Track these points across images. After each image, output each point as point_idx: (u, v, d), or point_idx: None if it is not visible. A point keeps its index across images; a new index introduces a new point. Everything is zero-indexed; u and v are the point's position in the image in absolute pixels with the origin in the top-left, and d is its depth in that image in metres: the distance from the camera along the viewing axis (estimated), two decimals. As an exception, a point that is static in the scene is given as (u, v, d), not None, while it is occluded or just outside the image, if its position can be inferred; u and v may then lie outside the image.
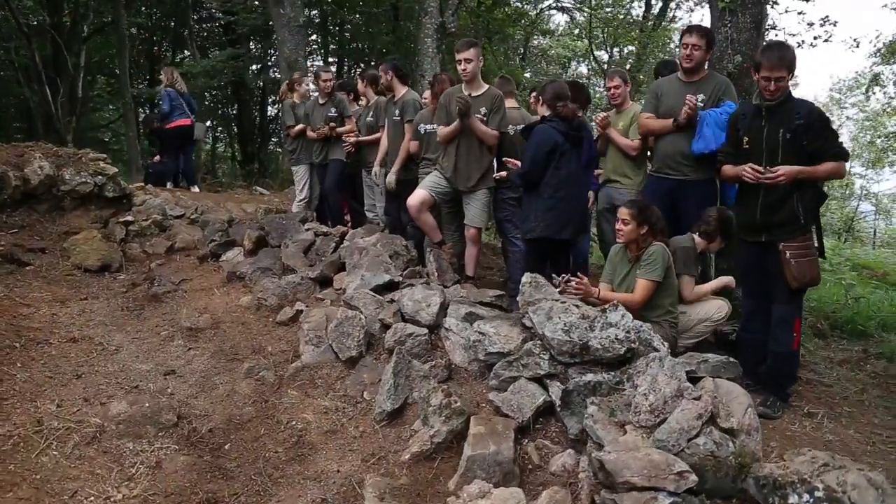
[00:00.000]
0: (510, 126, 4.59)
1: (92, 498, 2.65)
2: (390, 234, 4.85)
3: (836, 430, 3.34)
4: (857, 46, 11.30)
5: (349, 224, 6.29)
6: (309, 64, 12.05)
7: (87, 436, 2.93)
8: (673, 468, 2.17)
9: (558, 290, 3.48)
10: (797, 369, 3.69)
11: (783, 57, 3.20)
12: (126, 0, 12.92)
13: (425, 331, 3.55)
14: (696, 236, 3.90)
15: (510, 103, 4.92)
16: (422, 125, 4.93)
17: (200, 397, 3.41)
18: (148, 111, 17.16)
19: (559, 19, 18.14)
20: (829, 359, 4.68)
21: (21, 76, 13.36)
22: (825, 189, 3.52)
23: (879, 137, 18.87)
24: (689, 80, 4.10)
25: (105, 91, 17.40)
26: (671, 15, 15.78)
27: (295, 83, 6.79)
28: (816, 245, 3.39)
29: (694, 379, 2.79)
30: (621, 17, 14.75)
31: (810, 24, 7.12)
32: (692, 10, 15.24)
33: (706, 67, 4.14)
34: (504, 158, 4.31)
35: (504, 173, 4.20)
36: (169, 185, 8.04)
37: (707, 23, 5.09)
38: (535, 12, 15.38)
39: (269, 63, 16.01)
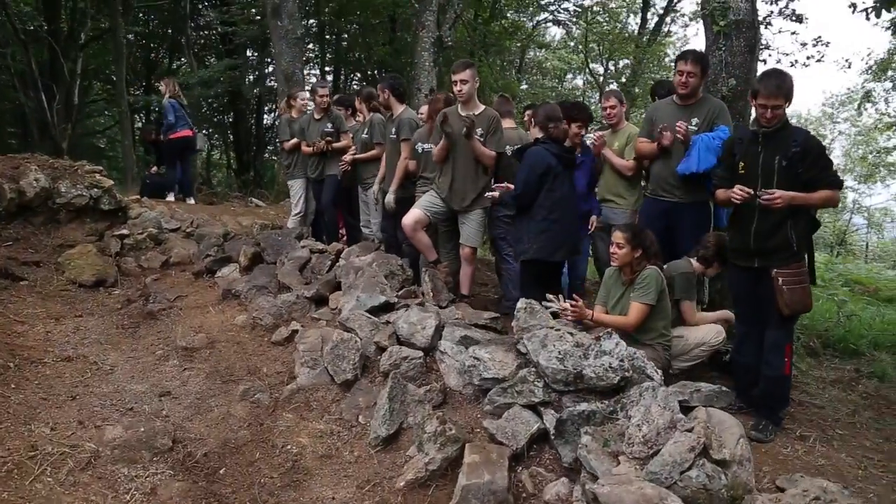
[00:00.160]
0: (507, 147, 4.63)
1: (86, 525, 2.64)
2: (386, 254, 4.86)
3: (828, 454, 3.36)
4: (850, 67, 11.45)
5: (344, 238, 6.31)
6: (306, 72, 12.09)
7: (81, 461, 2.92)
8: (665, 502, 2.19)
9: (550, 309, 3.51)
10: (789, 392, 3.72)
11: (780, 86, 3.23)
12: (124, 7, 12.91)
13: (420, 354, 3.56)
14: (693, 261, 3.95)
15: (508, 123, 4.96)
16: (419, 144, 4.96)
17: (195, 420, 3.41)
18: (144, 119, 17.16)
19: (555, 32, 18.31)
20: (821, 378, 4.70)
21: (17, 82, 13.31)
22: (818, 217, 3.54)
23: (871, 153, 19.08)
24: (684, 104, 4.16)
25: (101, 97, 17.37)
26: (666, 30, 15.94)
27: (291, 99, 6.82)
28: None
29: (687, 408, 2.82)
30: (617, 31, 14.89)
31: (803, 45, 7.21)
32: (687, 26, 15.42)
33: (701, 91, 4.20)
34: (493, 185, 4.35)
35: (496, 193, 4.23)
36: (171, 196, 8.02)
37: (701, 37, 5.16)
38: (531, 25, 15.50)
39: (267, 72, 16.04)
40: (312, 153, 6.06)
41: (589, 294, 5.16)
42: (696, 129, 4.04)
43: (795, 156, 3.24)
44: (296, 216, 6.52)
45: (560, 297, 3.65)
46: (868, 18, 4.47)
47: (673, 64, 4.50)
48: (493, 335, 3.70)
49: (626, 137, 4.75)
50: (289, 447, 3.18)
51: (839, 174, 3.48)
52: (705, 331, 3.83)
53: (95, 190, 5.96)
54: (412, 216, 4.54)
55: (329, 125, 5.97)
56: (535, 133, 4.22)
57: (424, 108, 5.29)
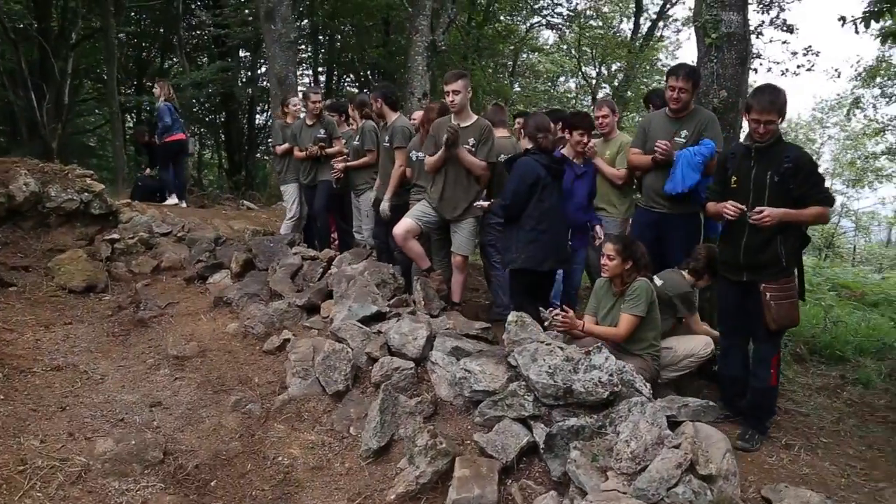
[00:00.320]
0: (501, 155, 4.65)
1: (76, 540, 2.64)
2: (377, 262, 4.87)
3: (812, 463, 3.40)
4: (839, 76, 11.64)
5: (336, 243, 6.31)
6: (299, 73, 12.06)
7: (71, 475, 2.91)
8: (653, 519, 2.22)
9: (546, 322, 3.54)
10: (776, 402, 3.77)
11: (774, 101, 3.25)
12: (115, 7, 12.82)
13: (412, 364, 3.57)
14: (685, 273, 4.00)
15: (502, 132, 4.98)
16: (413, 152, 4.97)
17: (187, 431, 3.41)
18: (135, 119, 17.05)
19: (548, 35, 18.36)
20: (807, 386, 4.76)
21: (6, 80, 13.20)
22: (808, 233, 3.58)
23: (859, 158, 19.31)
24: (675, 116, 4.20)
25: (92, 95, 17.23)
26: (659, 34, 16.03)
27: (285, 105, 6.83)
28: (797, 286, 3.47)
29: (674, 423, 2.85)
30: (609, 35, 14.96)
31: (794, 54, 7.30)
32: (679, 31, 15.53)
33: (693, 103, 4.25)
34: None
35: (485, 203, 4.25)
36: (174, 198, 7.99)
37: (693, 42, 5.20)
38: (524, 28, 15.54)
39: (259, 73, 15.99)
40: (305, 158, 6.06)
41: (581, 301, 5.19)
42: (684, 141, 4.09)
43: (787, 171, 3.27)
44: (290, 220, 6.51)
45: (550, 309, 3.67)
46: (857, 32, 4.52)
47: (665, 69, 4.55)
48: (485, 346, 3.72)
49: (617, 146, 4.78)
50: (280, 459, 3.19)
51: (827, 179, 3.53)
52: (695, 342, 3.88)
53: (86, 194, 5.94)
54: (403, 226, 4.55)
55: (322, 131, 5.98)
56: (525, 143, 4.23)
57: (418, 114, 5.29)
